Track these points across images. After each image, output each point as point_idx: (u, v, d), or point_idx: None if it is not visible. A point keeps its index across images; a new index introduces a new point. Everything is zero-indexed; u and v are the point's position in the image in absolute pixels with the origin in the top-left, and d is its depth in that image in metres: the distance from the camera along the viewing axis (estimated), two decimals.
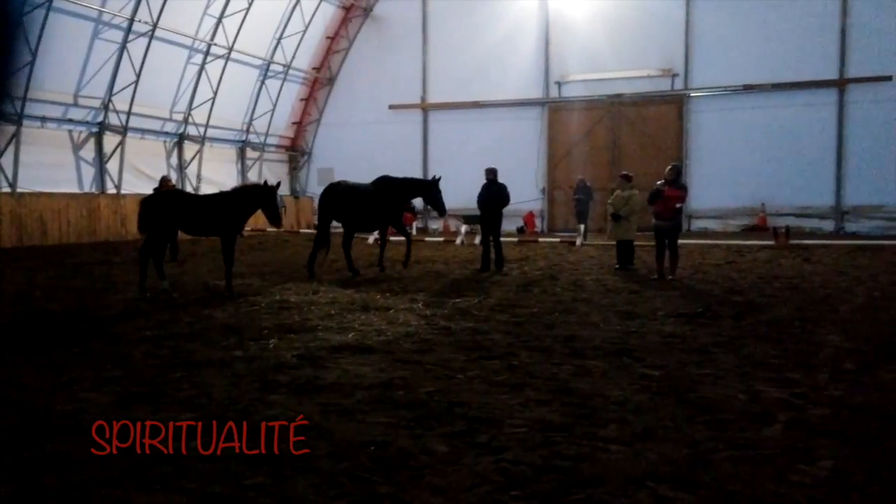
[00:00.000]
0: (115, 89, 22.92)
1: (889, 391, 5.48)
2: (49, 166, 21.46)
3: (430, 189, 14.42)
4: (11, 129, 19.33)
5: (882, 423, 4.72)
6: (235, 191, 11.64)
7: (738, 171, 26.71)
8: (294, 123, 32.94)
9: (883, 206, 25.45)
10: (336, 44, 32.31)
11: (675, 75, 27.90)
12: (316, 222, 11.32)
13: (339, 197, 13.89)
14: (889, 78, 25.04)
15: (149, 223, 11.08)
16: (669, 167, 13.27)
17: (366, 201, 13.86)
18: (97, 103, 22.79)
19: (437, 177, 14.57)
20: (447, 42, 30.55)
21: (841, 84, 25.87)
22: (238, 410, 5.06)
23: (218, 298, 10.65)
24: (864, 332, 7.85)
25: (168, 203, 11.20)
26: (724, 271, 14.24)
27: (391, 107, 31.48)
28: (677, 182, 13.06)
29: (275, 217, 11.31)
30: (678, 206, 12.90)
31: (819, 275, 13.42)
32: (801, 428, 4.66)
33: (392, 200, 14.05)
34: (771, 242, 19.76)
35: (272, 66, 29.69)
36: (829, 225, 26.18)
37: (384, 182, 14.29)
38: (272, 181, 11.55)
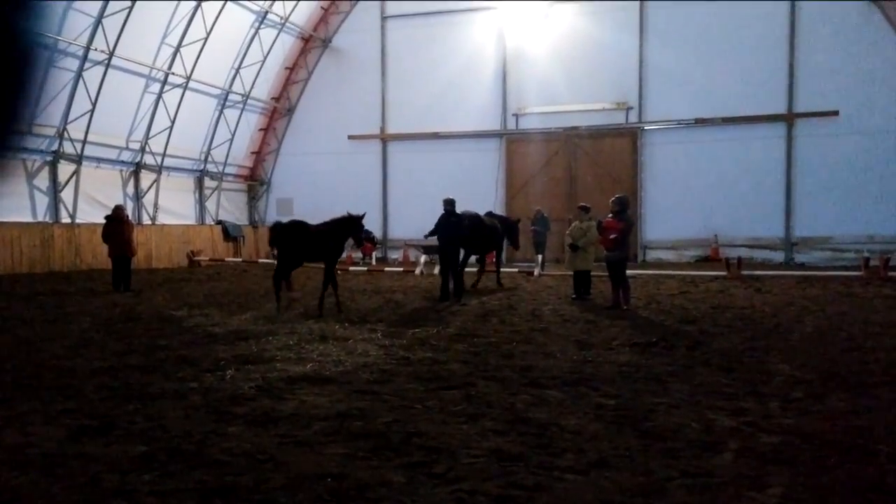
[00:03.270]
0: (71, 118, 22.60)
1: (837, 419, 5.60)
2: (1, 195, 21.01)
3: (514, 227, 18.47)
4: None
5: (830, 451, 4.82)
6: (337, 221, 12.82)
7: (692, 203, 27.25)
8: (253, 153, 32.78)
9: (830, 237, 26.15)
10: (295, 74, 32.35)
11: (629, 108, 28.46)
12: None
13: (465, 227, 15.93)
14: (835, 113, 25.86)
15: (281, 247, 12.57)
16: (613, 199, 13.51)
17: (486, 232, 16.69)
18: (52, 132, 22.44)
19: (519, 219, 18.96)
20: (406, 74, 30.80)
21: (789, 119, 26.64)
22: (193, 443, 5.00)
23: (173, 329, 10.51)
24: (813, 361, 8.03)
25: (296, 232, 12.47)
26: (678, 301, 14.48)
27: (350, 137, 31.54)
28: (620, 214, 13.26)
29: (360, 242, 13.44)
30: (612, 236, 13.11)
31: (770, 305, 13.72)
32: (752, 456, 4.74)
33: (500, 232, 17.24)
34: (723, 273, 20.13)
35: (231, 96, 29.58)
36: (779, 256, 26.78)
37: (495, 216, 18.03)
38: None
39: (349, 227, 12.78)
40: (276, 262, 12.87)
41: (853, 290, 16.44)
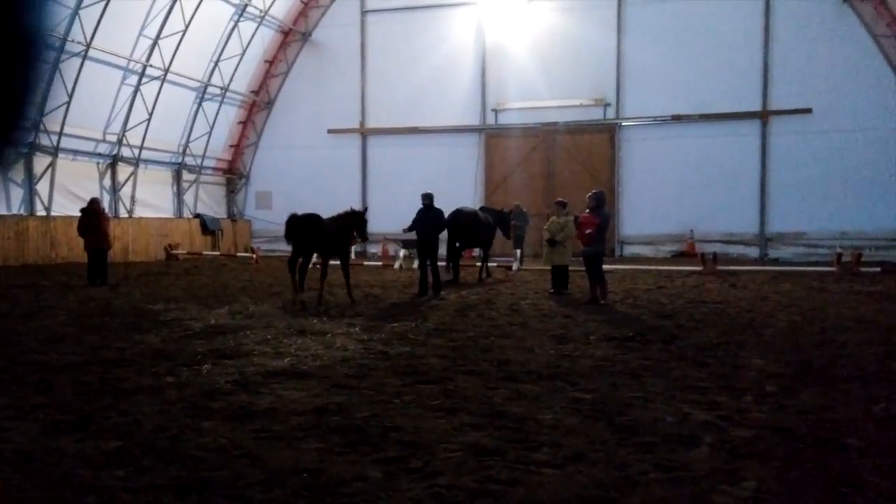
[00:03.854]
0: (47, 109, 22.32)
1: (809, 413, 5.66)
2: None
3: (506, 217, 19.97)
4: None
5: (802, 445, 4.88)
6: (345, 216, 13.52)
7: (668, 199, 27.48)
8: (232, 146, 32.56)
9: (804, 233, 26.51)
10: (274, 67, 32.18)
11: (607, 105, 28.62)
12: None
13: (466, 221, 17.27)
14: (809, 111, 26.21)
15: (296, 239, 12.94)
16: (589, 194, 13.56)
17: (484, 226, 17.93)
18: (27, 123, 22.05)
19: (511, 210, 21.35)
20: (386, 68, 30.74)
21: (763, 116, 26.94)
22: (168, 438, 4.97)
23: (150, 323, 10.43)
24: (786, 355, 8.11)
25: (310, 225, 12.84)
26: (655, 296, 14.58)
27: (330, 131, 31.44)
28: (596, 210, 13.29)
29: (364, 235, 13.86)
30: (588, 231, 13.18)
31: (744, 300, 13.84)
32: (726, 450, 4.78)
33: (493, 226, 18.70)
34: (699, 268, 20.29)
35: (209, 89, 29.36)
36: (753, 251, 27.09)
37: (489, 211, 19.50)
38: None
39: (355, 221, 13.52)
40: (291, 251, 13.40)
41: (826, 285, 16.64)
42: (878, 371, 7.25)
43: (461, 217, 17.18)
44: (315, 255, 14.34)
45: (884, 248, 25.14)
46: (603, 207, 13.47)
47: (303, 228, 12.77)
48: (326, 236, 12.95)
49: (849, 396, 6.23)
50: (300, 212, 13.17)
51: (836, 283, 17.08)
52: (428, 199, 14.82)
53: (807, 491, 4.07)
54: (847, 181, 25.76)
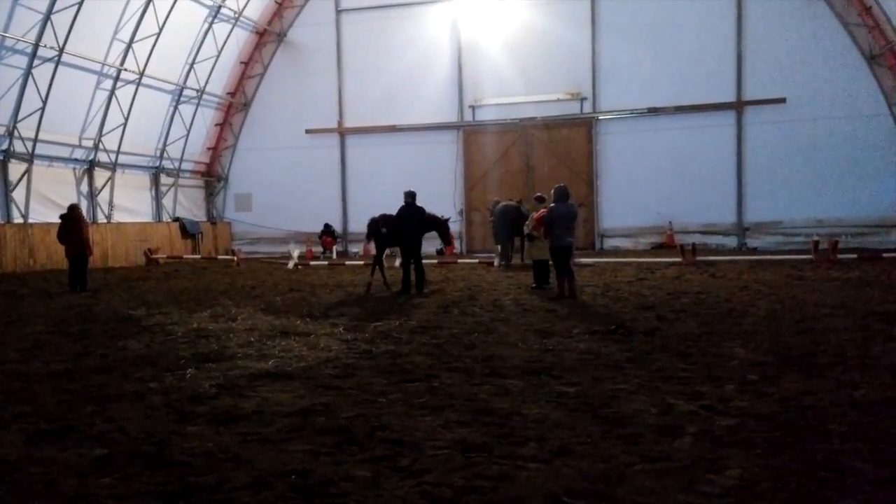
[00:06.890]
0: (21, 116, 22.08)
1: (791, 401, 5.73)
2: None
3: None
4: None
5: (785, 432, 4.93)
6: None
7: (646, 191, 27.64)
8: (209, 149, 32.33)
9: (781, 222, 26.78)
10: (250, 69, 31.98)
11: (583, 99, 28.71)
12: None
13: (513, 215, 19.59)
14: (783, 100, 26.45)
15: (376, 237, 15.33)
16: (553, 189, 13.49)
17: (521, 221, 18.59)
18: (1, 130, 21.91)
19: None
20: (362, 67, 30.66)
21: (738, 106, 27.15)
22: (153, 444, 4.95)
23: (132, 329, 10.36)
24: (766, 344, 8.20)
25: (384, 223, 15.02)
26: (635, 288, 14.67)
27: (308, 131, 31.32)
28: (555, 203, 13.22)
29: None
30: (539, 227, 13.44)
31: (724, 289, 13.96)
32: (710, 439, 4.83)
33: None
34: (679, 259, 20.43)
35: (185, 92, 29.13)
36: (732, 241, 27.32)
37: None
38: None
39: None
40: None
41: (804, 273, 16.81)
42: (858, 357, 7.34)
43: (510, 211, 19.55)
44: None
45: (859, 234, 25.46)
46: (563, 201, 13.20)
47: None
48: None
49: (829, 383, 6.31)
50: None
51: (813, 271, 17.27)
52: (410, 196, 14.80)
53: (790, 477, 4.12)
54: (822, 169, 26.06)
